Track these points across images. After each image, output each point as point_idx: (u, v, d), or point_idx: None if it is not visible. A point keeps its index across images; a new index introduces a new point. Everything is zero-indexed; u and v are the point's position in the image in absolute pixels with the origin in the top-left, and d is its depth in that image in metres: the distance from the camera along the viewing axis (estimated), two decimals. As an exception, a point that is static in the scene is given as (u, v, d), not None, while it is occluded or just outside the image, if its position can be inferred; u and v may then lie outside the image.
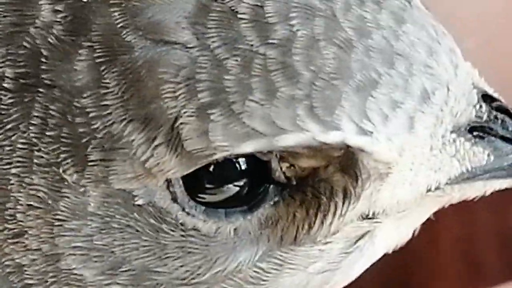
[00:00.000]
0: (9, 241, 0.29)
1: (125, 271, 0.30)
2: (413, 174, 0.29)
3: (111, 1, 0.28)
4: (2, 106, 0.28)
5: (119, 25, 0.28)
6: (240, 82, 0.27)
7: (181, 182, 0.28)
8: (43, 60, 0.28)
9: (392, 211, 0.30)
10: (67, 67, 0.28)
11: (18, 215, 0.29)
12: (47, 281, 0.29)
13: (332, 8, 0.28)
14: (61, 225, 0.28)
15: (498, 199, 0.34)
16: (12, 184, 0.29)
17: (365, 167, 0.29)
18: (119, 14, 0.28)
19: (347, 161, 0.29)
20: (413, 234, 0.31)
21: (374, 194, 0.29)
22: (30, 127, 0.28)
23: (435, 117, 0.29)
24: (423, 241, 0.38)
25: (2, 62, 0.29)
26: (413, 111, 0.28)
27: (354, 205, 0.29)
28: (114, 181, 0.28)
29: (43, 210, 0.29)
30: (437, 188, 0.29)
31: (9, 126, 0.28)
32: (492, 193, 0.31)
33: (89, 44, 0.28)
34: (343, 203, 0.29)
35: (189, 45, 0.27)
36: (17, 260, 0.29)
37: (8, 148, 0.29)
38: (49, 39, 0.28)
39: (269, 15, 0.28)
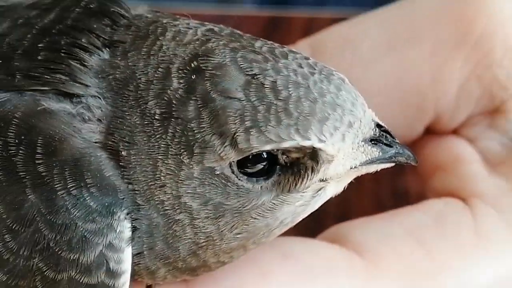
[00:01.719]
0: (158, 189, 0.40)
1: (210, 204, 0.40)
2: (344, 161, 0.41)
3: (205, 78, 0.40)
4: (155, 127, 0.40)
5: (209, 90, 0.39)
6: (264, 116, 0.39)
7: (236, 162, 0.40)
8: (174, 104, 0.40)
9: (334, 178, 0.42)
10: (185, 109, 0.39)
11: (162, 177, 0.40)
12: (175, 209, 0.40)
13: (307, 82, 0.40)
14: (181, 181, 0.40)
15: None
16: (159, 163, 0.40)
17: (321, 157, 0.40)
18: (209, 85, 0.40)
19: (314, 154, 0.40)
20: (343, 189, 0.43)
21: (325, 170, 0.41)
22: (168, 136, 0.39)
23: (354, 135, 0.41)
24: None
25: (155, 107, 0.40)
26: (344, 131, 0.40)
27: (317, 175, 0.41)
28: (206, 162, 0.39)
29: (173, 175, 0.40)
30: (355, 167, 0.42)
31: (157, 136, 0.39)
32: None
33: (195, 99, 0.39)
34: (311, 174, 0.41)
35: (241, 99, 0.39)
36: (161, 198, 0.40)
37: (157, 145, 0.40)
38: (177, 95, 0.39)
39: (279, 85, 0.40)
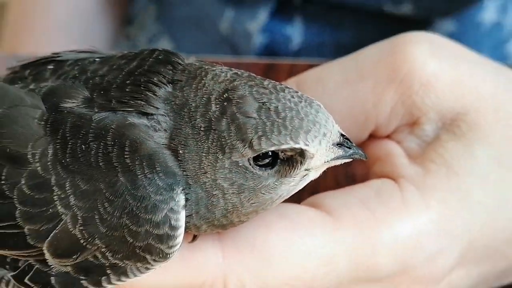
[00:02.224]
0: (202, 175, 0.40)
1: (235, 184, 0.40)
2: (320, 157, 0.41)
3: (233, 104, 0.40)
4: (201, 135, 0.40)
5: (235, 111, 0.40)
6: (270, 129, 0.40)
7: (252, 158, 0.40)
8: (213, 121, 0.40)
9: (314, 168, 0.42)
10: (220, 124, 0.40)
11: (205, 167, 0.40)
12: (213, 187, 0.40)
13: (297, 107, 0.40)
14: (217, 170, 0.40)
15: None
16: (203, 158, 0.40)
17: (306, 155, 0.41)
18: (235, 108, 0.40)
19: (301, 153, 0.41)
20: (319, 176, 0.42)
21: (309, 163, 0.41)
22: (209, 141, 0.40)
23: (327, 141, 0.41)
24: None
25: (201, 122, 0.40)
26: (320, 139, 0.41)
27: (303, 166, 0.41)
28: (233, 158, 0.40)
29: (212, 165, 0.40)
30: (327, 162, 0.42)
31: (202, 141, 0.40)
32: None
33: (226, 117, 0.40)
34: (300, 165, 0.41)
35: (255, 118, 0.40)
36: (204, 180, 0.40)
37: (202, 147, 0.40)
38: (214, 115, 0.40)
39: (279, 109, 0.40)
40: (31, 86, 0.45)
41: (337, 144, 0.42)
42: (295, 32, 0.81)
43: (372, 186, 0.49)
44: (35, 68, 0.46)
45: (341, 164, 0.45)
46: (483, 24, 0.75)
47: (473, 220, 0.46)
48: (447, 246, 0.48)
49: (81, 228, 0.41)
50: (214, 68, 0.44)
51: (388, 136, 0.52)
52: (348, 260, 0.46)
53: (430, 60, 0.49)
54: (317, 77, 0.52)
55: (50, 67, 0.46)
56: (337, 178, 0.58)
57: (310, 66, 0.53)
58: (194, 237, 0.46)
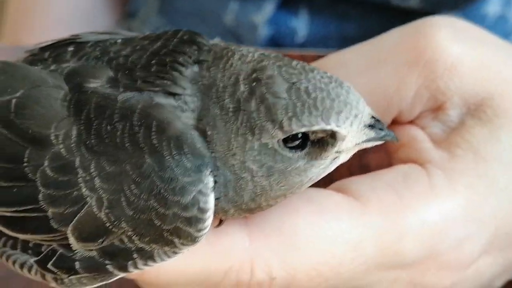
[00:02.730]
0: (231, 157, 0.40)
1: (264, 167, 0.40)
2: (351, 139, 0.41)
3: (262, 84, 0.40)
4: (229, 116, 0.39)
5: (264, 92, 0.39)
6: (301, 110, 0.39)
7: (282, 139, 0.40)
8: (241, 101, 0.39)
9: (344, 150, 0.41)
10: (249, 104, 0.39)
11: (233, 149, 0.40)
12: (241, 170, 0.40)
13: (328, 88, 0.40)
14: (246, 152, 0.39)
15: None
16: (232, 139, 0.40)
17: (338, 137, 0.40)
18: (264, 89, 0.40)
19: (333, 135, 0.40)
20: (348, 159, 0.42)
21: (340, 145, 0.41)
22: (238, 122, 0.40)
23: (358, 122, 0.41)
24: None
25: (229, 103, 0.40)
26: (352, 120, 0.40)
27: (334, 148, 0.41)
28: (262, 139, 0.40)
29: (241, 147, 0.40)
30: (357, 144, 0.41)
31: (231, 122, 0.40)
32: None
33: (255, 98, 0.39)
34: (331, 147, 0.41)
35: (285, 98, 0.39)
36: (233, 162, 0.40)
37: (231, 128, 0.40)
38: (243, 96, 0.40)
39: (310, 90, 0.39)
40: (52, 68, 0.44)
41: (369, 126, 0.41)
42: (300, 24, 0.80)
43: (398, 171, 0.48)
44: (54, 50, 0.45)
45: (355, 154, 0.45)
46: (487, 17, 0.74)
47: (499, 207, 0.46)
48: (474, 232, 0.47)
49: (106, 211, 0.40)
50: (241, 49, 0.43)
51: (411, 122, 0.51)
52: (375, 246, 0.46)
53: (453, 43, 0.49)
54: (339, 62, 0.51)
55: (71, 48, 0.45)
56: (350, 168, 0.56)
57: (319, 57, 0.52)
58: (220, 222, 0.45)
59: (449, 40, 0.49)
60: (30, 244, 0.41)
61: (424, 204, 0.46)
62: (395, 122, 0.51)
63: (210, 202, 0.41)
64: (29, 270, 0.42)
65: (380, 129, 0.42)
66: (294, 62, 0.42)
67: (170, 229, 0.40)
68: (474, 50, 0.49)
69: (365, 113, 0.41)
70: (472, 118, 0.48)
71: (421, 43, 0.49)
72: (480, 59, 0.49)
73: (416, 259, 0.46)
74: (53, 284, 0.42)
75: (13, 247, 0.42)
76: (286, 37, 0.83)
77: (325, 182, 0.48)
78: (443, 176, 0.47)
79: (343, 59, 0.51)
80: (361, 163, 0.62)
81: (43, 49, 0.46)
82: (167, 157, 0.39)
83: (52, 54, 0.45)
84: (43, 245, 0.41)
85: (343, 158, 0.42)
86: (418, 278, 0.47)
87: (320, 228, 0.45)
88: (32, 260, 0.41)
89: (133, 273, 0.42)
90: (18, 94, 0.40)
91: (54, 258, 0.41)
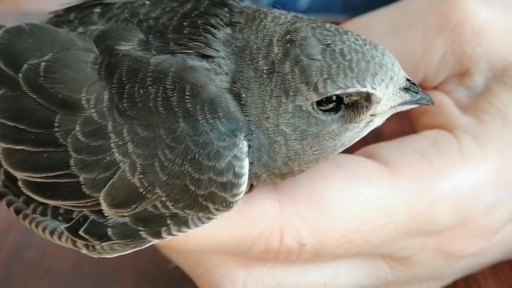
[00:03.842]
0: (265, 120, 0.40)
1: (298, 130, 0.40)
2: (387, 102, 0.41)
3: (296, 46, 0.39)
4: (263, 78, 0.39)
5: (298, 53, 0.39)
6: (336, 71, 0.39)
7: (315, 102, 0.40)
8: (276, 63, 0.39)
9: (379, 113, 0.41)
10: (283, 66, 0.39)
11: (267, 112, 0.40)
12: (275, 133, 0.40)
13: (363, 49, 0.40)
14: (280, 115, 0.39)
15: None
16: (266, 102, 0.39)
17: (373, 99, 0.40)
18: (299, 50, 0.39)
19: (368, 97, 0.40)
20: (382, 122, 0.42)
21: (375, 108, 0.41)
22: (272, 84, 0.39)
23: (393, 85, 0.40)
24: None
25: (263, 65, 0.39)
26: (387, 82, 0.40)
27: (369, 111, 0.41)
28: (296, 102, 0.39)
29: (275, 110, 0.39)
30: (392, 107, 0.41)
31: (265, 84, 0.39)
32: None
33: (289, 59, 0.39)
34: (365, 110, 0.41)
35: (320, 60, 0.39)
36: (266, 126, 0.40)
37: (265, 90, 0.39)
38: (277, 57, 0.39)
39: (345, 51, 0.39)
40: (80, 30, 0.43)
41: (404, 89, 0.41)
42: None
43: (427, 137, 0.48)
44: (80, 12, 0.45)
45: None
46: None
47: None
48: (505, 198, 0.47)
49: (140, 176, 0.40)
50: (273, 10, 0.43)
51: (436, 87, 0.51)
52: (406, 212, 0.45)
53: (481, 8, 0.49)
54: (364, 26, 0.51)
55: (97, 10, 0.44)
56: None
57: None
58: (251, 187, 0.44)
59: (477, 4, 0.49)
60: (61, 210, 0.41)
61: (456, 170, 0.46)
62: (421, 87, 0.49)
63: (245, 167, 0.40)
64: (59, 237, 0.42)
65: (415, 92, 0.41)
66: (328, 25, 0.42)
67: (205, 194, 0.40)
68: (502, 14, 0.49)
69: (400, 75, 0.41)
70: (498, 83, 0.48)
71: (448, 8, 0.49)
72: (508, 23, 0.49)
73: (447, 226, 0.46)
74: (84, 250, 0.42)
75: (43, 214, 0.42)
76: (288, 3, 0.82)
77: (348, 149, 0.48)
78: (473, 141, 0.47)
79: (369, 22, 0.51)
80: (374, 130, 0.62)
81: (68, 10, 0.45)
82: (201, 121, 0.39)
83: (79, 16, 0.44)
84: (74, 211, 0.41)
85: (377, 122, 0.42)
86: (446, 245, 0.47)
87: (351, 194, 0.44)
88: (62, 226, 0.41)
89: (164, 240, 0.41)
90: (46, 58, 0.40)
91: (86, 225, 0.40)
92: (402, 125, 0.52)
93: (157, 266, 0.52)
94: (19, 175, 0.40)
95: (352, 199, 0.44)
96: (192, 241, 0.43)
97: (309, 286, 0.46)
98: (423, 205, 0.45)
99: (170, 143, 0.39)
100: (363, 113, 0.41)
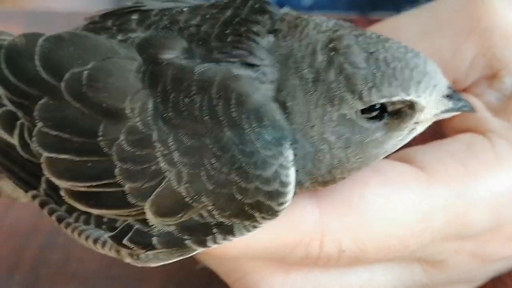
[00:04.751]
0: (310, 128, 0.40)
1: (342, 138, 0.40)
2: (430, 109, 0.41)
3: (340, 54, 0.39)
4: (308, 86, 0.39)
5: (342, 62, 0.39)
6: (380, 80, 0.39)
7: (360, 110, 0.40)
8: (320, 72, 0.39)
9: (422, 121, 0.41)
10: (328, 75, 0.39)
11: (313, 120, 0.39)
12: (320, 142, 0.40)
13: (405, 57, 0.39)
14: (325, 123, 0.39)
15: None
16: (311, 110, 0.39)
17: (417, 107, 0.40)
18: (343, 59, 0.39)
19: (411, 105, 0.40)
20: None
21: (418, 116, 0.41)
22: (317, 93, 0.39)
23: (437, 92, 0.40)
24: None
25: (308, 73, 0.39)
26: (431, 90, 0.40)
27: (412, 119, 0.41)
28: (341, 110, 0.39)
29: (320, 119, 0.39)
30: (436, 115, 0.41)
31: (310, 93, 0.39)
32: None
33: (334, 68, 0.39)
34: (409, 118, 0.40)
35: (364, 68, 0.39)
36: (311, 134, 0.40)
37: (310, 99, 0.39)
38: (322, 66, 0.39)
39: (388, 59, 0.39)
40: (119, 37, 0.43)
41: (447, 96, 0.41)
42: None
43: (461, 140, 0.48)
44: (118, 18, 0.44)
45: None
46: None
47: None
48: None
49: (186, 185, 0.40)
50: (314, 18, 0.43)
51: (465, 90, 0.51)
52: (443, 216, 0.45)
53: (510, 10, 0.49)
54: (393, 28, 0.51)
55: (135, 17, 0.44)
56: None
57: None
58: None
59: (506, 6, 0.49)
60: (105, 219, 0.41)
61: (491, 173, 0.46)
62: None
63: (291, 175, 0.40)
64: (103, 246, 0.42)
65: (458, 99, 0.41)
66: (369, 32, 0.42)
67: (252, 203, 0.40)
68: None
69: (443, 83, 0.41)
70: None
71: (478, 11, 0.49)
72: None
73: (483, 230, 0.46)
74: (128, 259, 0.42)
75: (86, 223, 0.41)
76: (293, 0, 0.82)
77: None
78: (507, 145, 0.47)
79: (397, 26, 0.51)
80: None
81: (104, 16, 0.45)
82: (247, 130, 0.39)
83: (116, 23, 0.44)
84: (118, 220, 0.41)
85: (420, 129, 0.42)
86: (481, 248, 0.47)
87: (390, 199, 0.45)
88: (106, 235, 0.41)
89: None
90: (89, 66, 0.39)
91: (130, 234, 0.40)
92: (442, 127, 0.51)
93: (184, 268, 0.52)
94: (62, 184, 0.40)
95: (391, 204, 0.44)
96: (231, 248, 0.43)
97: None
98: (459, 209, 0.45)
99: (217, 152, 0.39)
100: (407, 121, 0.41)
